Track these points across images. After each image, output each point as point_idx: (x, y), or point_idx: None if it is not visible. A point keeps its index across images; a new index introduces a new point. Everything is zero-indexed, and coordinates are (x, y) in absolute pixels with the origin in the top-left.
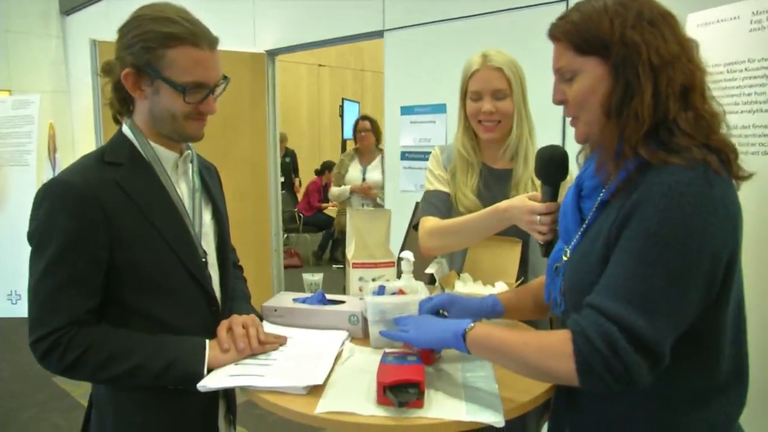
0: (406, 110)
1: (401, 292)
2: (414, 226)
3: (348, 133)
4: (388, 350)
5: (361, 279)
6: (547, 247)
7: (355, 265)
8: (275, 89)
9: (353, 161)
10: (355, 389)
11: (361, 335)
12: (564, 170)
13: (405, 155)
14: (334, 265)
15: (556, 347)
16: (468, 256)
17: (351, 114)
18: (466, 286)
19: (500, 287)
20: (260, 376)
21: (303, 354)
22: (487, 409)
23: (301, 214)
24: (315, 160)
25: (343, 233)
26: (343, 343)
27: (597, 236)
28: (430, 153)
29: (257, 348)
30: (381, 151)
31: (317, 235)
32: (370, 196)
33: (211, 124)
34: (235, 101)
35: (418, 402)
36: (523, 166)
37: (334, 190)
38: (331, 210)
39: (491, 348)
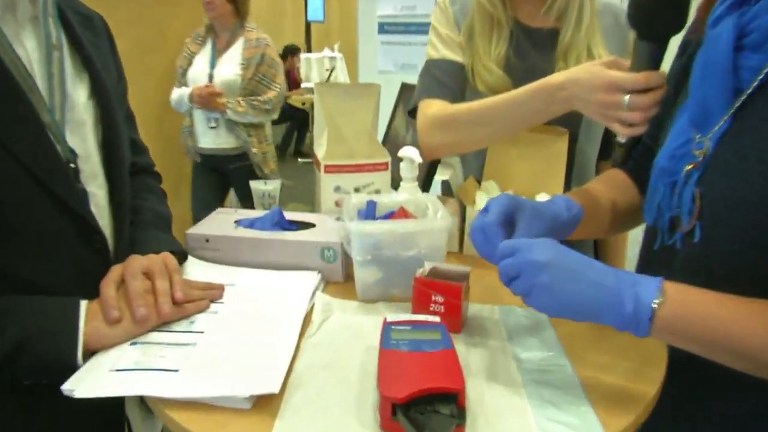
0: None
1: (403, 212)
2: (410, 111)
3: (315, 13)
4: (390, 318)
5: (338, 189)
6: (629, 150)
7: (329, 169)
8: None
9: (203, 47)
10: (336, 396)
11: (340, 278)
12: (681, 13)
13: (383, 27)
14: (299, 159)
15: None
16: (489, 156)
17: None
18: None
19: (542, 199)
20: (171, 373)
21: (248, 324)
22: None
23: None
24: (275, 45)
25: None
26: (313, 295)
27: None
28: (414, 24)
29: (169, 314)
30: (245, 29)
31: (280, 126)
32: (214, 106)
33: None
34: None
35: (459, 431)
36: (575, 26)
37: (173, 95)
38: (295, 100)
39: (694, 338)
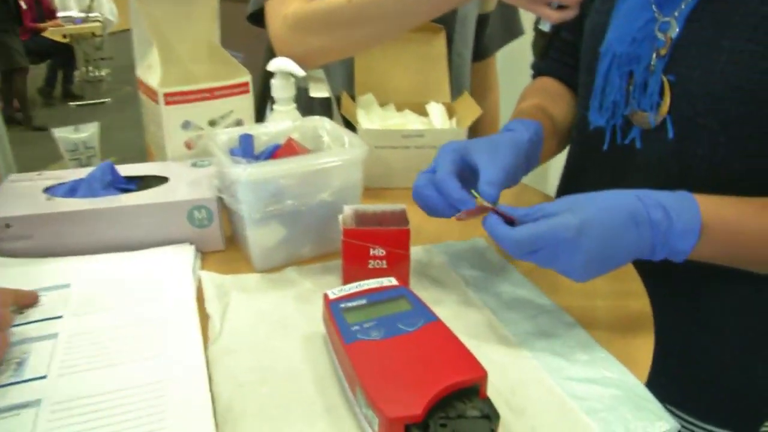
0: None
1: (292, 145)
2: (250, 15)
3: None
4: (331, 291)
5: (187, 126)
6: (550, 41)
7: (171, 99)
8: None
9: None
10: (293, 424)
11: (220, 245)
12: None
13: None
14: (71, 102)
15: None
16: (358, 64)
17: None
18: (374, 117)
19: (436, 112)
20: None
21: (111, 348)
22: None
23: None
24: None
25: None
26: (194, 277)
27: None
28: None
29: None
30: None
31: (39, 67)
32: None
33: None
34: None
35: None
36: None
37: None
38: (53, 32)
39: (732, 260)
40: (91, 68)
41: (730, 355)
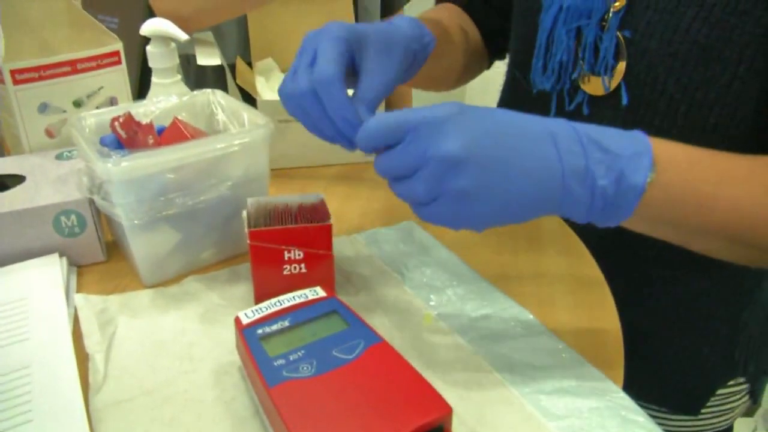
0: None
1: (180, 127)
2: None
3: None
4: (244, 312)
5: (45, 109)
6: None
7: (20, 76)
8: None
9: None
10: None
11: (100, 255)
12: None
13: None
14: None
15: None
16: (252, 23)
17: None
18: (275, 85)
19: None
20: None
21: None
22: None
23: None
24: None
25: None
26: (67, 300)
27: None
28: None
29: None
30: None
31: None
32: None
33: None
34: None
35: None
36: None
37: None
38: None
39: (680, 223)
40: None
41: (676, 339)
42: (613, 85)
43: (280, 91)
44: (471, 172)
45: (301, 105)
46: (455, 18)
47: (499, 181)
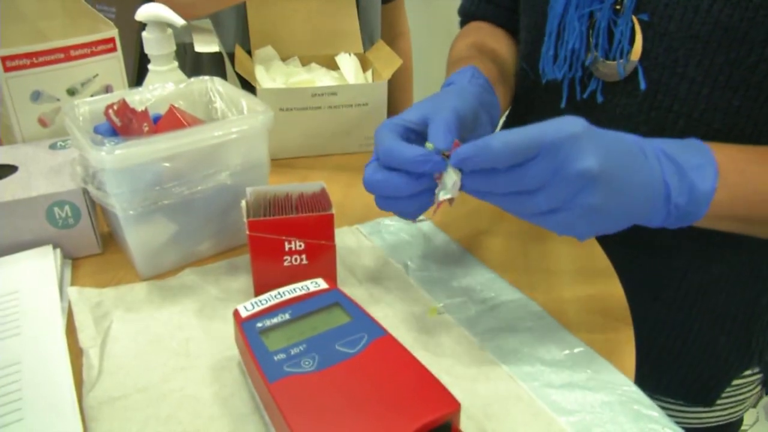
0: None
1: (176, 114)
2: None
3: None
4: (243, 305)
5: (38, 97)
6: None
7: (12, 63)
8: None
9: None
10: None
11: (95, 248)
12: None
13: None
14: None
15: None
16: (251, 12)
17: None
18: (275, 74)
19: (348, 64)
20: None
21: None
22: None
23: None
24: None
25: None
26: (61, 294)
27: None
28: None
29: None
30: None
31: None
32: None
33: None
34: None
35: None
36: None
37: None
38: None
39: (748, 218)
40: None
41: (695, 328)
42: (630, 69)
43: (363, 181)
44: (602, 188)
45: (373, 182)
46: (501, 40)
47: (623, 198)
